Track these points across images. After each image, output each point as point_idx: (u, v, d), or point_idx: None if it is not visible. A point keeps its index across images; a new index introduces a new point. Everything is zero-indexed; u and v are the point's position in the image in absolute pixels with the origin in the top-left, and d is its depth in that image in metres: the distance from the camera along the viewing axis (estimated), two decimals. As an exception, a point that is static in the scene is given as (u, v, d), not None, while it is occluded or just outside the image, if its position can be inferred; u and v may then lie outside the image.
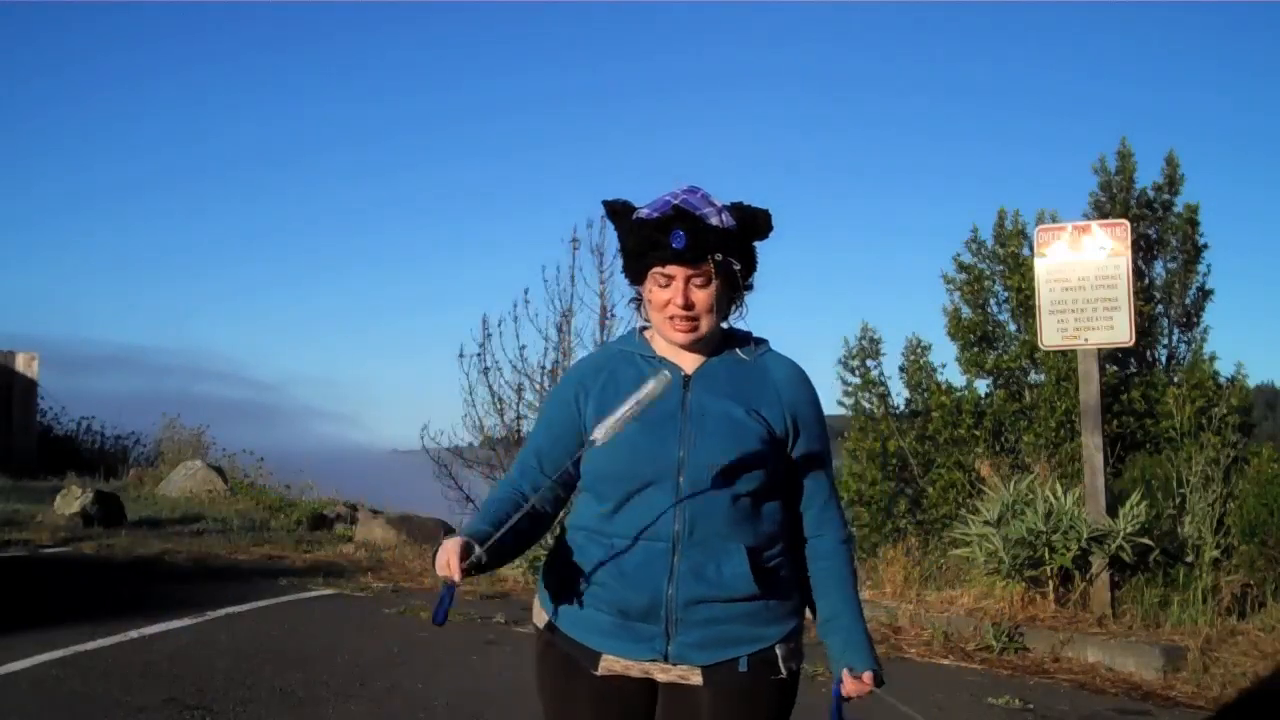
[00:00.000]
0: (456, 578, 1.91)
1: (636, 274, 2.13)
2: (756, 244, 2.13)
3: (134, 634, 5.73)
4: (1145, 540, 6.35)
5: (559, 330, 8.97)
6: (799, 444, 2.14)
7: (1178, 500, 6.91)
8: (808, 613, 2.19)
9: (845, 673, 2.06)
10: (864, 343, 10.40)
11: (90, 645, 5.45)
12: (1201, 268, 9.91)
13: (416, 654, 5.62)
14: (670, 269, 2.06)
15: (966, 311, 10.13)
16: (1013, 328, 10.03)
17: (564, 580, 2.12)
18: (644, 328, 2.21)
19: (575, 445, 2.14)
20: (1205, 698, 5.19)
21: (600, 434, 2.00)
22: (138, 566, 8.00)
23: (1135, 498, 6.56)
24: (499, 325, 9.11)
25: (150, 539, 9.14)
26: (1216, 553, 6.56)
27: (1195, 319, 9.93)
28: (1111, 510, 6.57)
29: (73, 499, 10.03)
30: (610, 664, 2.09)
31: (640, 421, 2.02)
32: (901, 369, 10.34)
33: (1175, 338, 10.04)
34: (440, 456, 9.45)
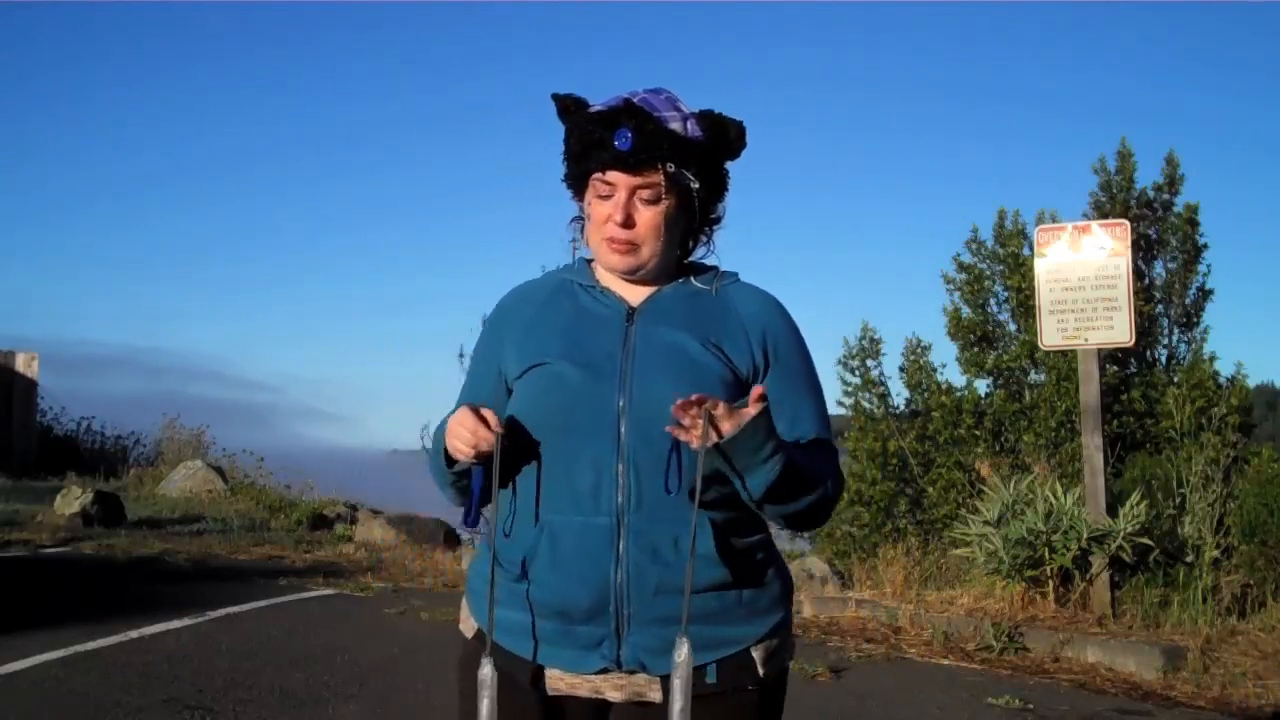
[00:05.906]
0: (498, 428, 1.61)
1: (577, 182, 1.76)
2: (729, 166, 1.78)
3: (134, 634, 5.72)
4: (1145, 540, 6.35)
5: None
6: (770, 377, 1.73)
7: (1178, 500, 6.91)
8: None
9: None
10: (864, 343, 10.41)
11: (90, 645, 5.44)
12: (1201, 268, 9.93)
13: (417, 654, 5.61)
14: (612, 176, 1.69)
15: (966, 311, 10.14)
16: (1013, 328, 10.04)
17: (494, 577, 1.71)
18: (591, 258, 1.84)
19: (503, 400, 1.77)
20: (1205, 698, 5.18)
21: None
22: (138, 566, 7.99)
23: (1135, 498, 6.57)
24: (499, 325, 9.13)
25: (150, 539, 9.13)
26: (1216, 553, 6.56)
27: (1195, 319, 9.95)
28: (1111, 510, 6.57)
29: (73, 499, 10.02)
30: (554, 680, 1.69)
31: (572, 360, 1.68)
32: (901, 369, 10.36)
33: (1175, 338, 10.05)
34: (440, 456, 9.46)
